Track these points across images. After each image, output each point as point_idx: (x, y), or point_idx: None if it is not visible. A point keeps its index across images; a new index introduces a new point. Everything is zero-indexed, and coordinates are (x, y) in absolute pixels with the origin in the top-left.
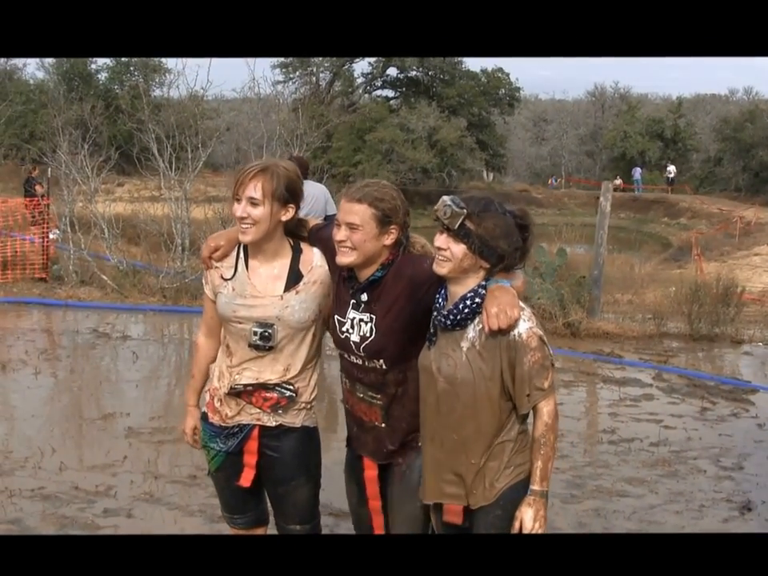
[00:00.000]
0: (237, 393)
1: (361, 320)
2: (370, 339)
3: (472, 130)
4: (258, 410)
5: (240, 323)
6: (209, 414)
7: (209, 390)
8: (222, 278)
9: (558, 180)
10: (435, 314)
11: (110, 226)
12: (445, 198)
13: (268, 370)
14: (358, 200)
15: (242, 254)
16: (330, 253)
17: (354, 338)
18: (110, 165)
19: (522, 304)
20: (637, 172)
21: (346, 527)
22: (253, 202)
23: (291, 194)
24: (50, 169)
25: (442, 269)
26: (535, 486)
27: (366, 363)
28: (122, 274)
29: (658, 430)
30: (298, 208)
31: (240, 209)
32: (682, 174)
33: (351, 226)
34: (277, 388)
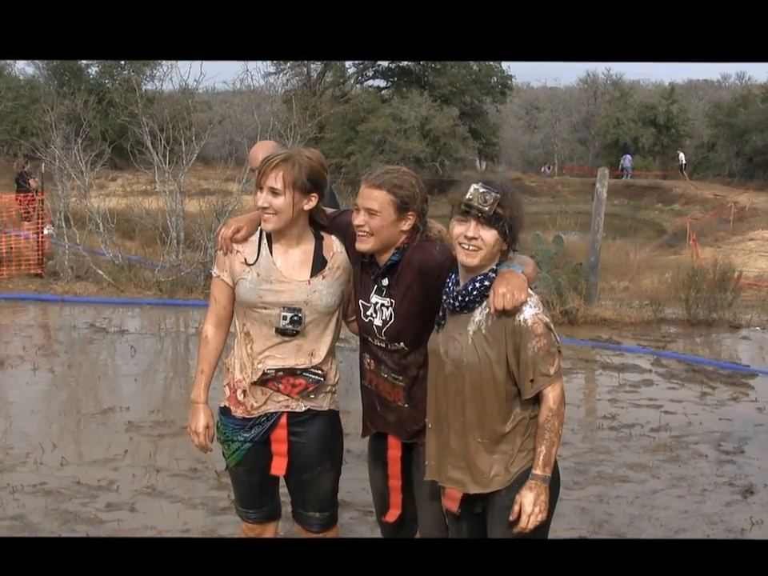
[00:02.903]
0: (264, 381)
1: (382, 305)
2: (390, 323)
3: (464, 118)
4: (287, 397)
5: (266, 308)
6: (231, 407)
7: (228, 383)
8: (244, 263)
9: (551, 168)
10: (444, 297)
11: (105, 221)
12: (475, 185)
13: (292, 357)
14: (377, 186)
15: (264, 240)
16: (349, 239)
17: (377, 322)
18: (103, 159)
19: (530, 291)
20: (626, 159)
21: (348, 516)
22: (274, 192)
23: (313, 183)
24: (43, 164)
25: (473, 259)
26: (537, 471)
27: (389, 346)
28: (117, 268)
29: (658, 415)
30: (321, 197)
31: (261, 198)
32: (675, 160)
33: (370, 212)
34: (305, 374)
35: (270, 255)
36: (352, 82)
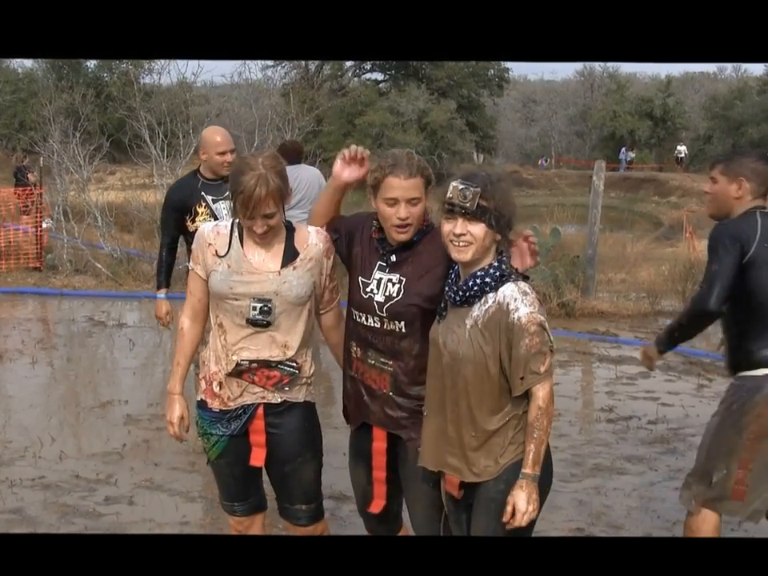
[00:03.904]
0: (239, 372)
1: (389, 280)
2: (396, 300)
3: (462, 111)
4: (262, 389)
5: (237, 300)
6: (207, 400)
7: (203, 376)
8: (216, 255)
9: (548, 160)
10: (447, 289)
11: (103, 215)
12: (454, 182)
13: (266, 349)
14: (413, 175)
15: (235, 232)
16: (359, 231)
17: (379, 297)
18: (101, 153)
19: (527, 289)
20: (622, 151)
21: (348, 509)
22: (269, 216)
23: (286, 183)
24: (41, 158)
25: (465, 255)
26: (527, 470)
27: (385, 326)
28: (116, 261)
29: (655, 407)
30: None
31: (259, 226)
32: (671, 152)
33: (413, 201)
34: (279, 366)
35: (241, 247)
36: (350, 75)
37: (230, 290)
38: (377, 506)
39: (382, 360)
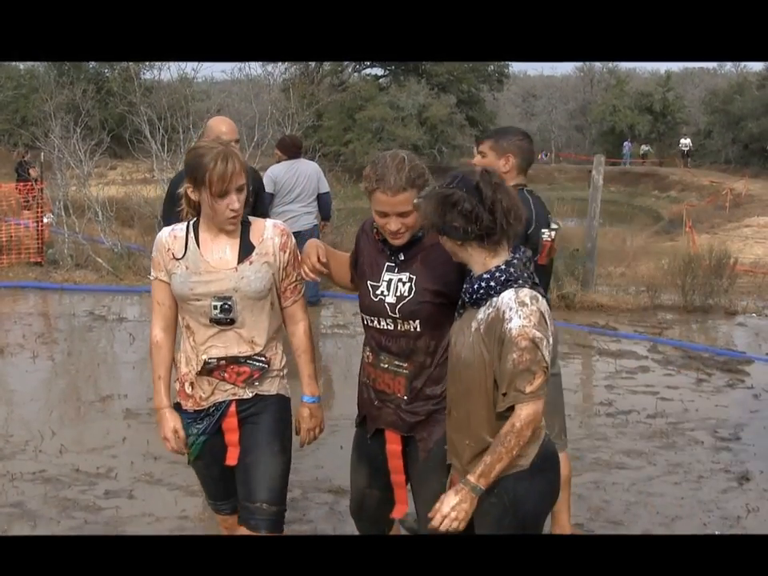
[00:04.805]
0: (209, 370)
1: (399, 280)
2: (408, 298)
3: (461, 106)
4: (233, 386)
5: (198, 300)
6: (181, 402)
7: (177, 379)
8: (173, 258)
9: (548, 155)
10: (464, 287)
11: (104, 209)
12: None
13: (234, 345)
14: (402, 190)
15: (191, 232)
16: (359, 241)
17: (390, 299)
18: (102, 148)
19: (527, 299)
20: (626, 146)
21: (346, 504)
22: (241, 190)
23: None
24: (42, 153)
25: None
26: (470, 477)
27: (399, 327)
28: (116, 256)
29: (654, 401)
30: None
31: (235, 201)
32: (672, 148)
33: (404, 214)
34: (248, 361)
35: (198, 247)
36: (350, 70)
37: (191, 291)
38: (400, 511)
39: (397, 363)
